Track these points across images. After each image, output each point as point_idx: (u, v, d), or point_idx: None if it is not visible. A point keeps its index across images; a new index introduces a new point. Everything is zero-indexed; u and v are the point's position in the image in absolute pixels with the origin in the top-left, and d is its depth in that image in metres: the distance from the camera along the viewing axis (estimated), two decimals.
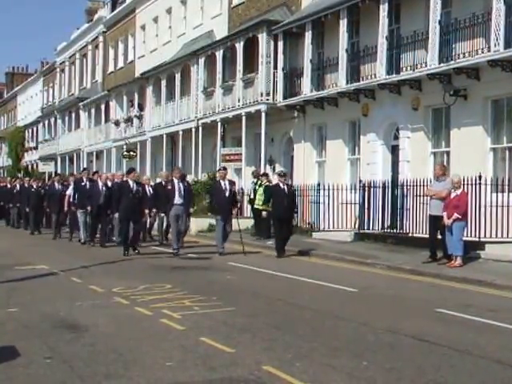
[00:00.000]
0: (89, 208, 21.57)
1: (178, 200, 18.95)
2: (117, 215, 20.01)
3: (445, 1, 20.23)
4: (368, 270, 16.04)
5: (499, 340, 8.74)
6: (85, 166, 47.69)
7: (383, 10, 21.98)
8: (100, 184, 21.66)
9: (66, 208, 24.10)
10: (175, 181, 19.29)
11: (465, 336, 8.92)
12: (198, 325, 9.41)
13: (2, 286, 12.94)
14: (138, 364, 7.39)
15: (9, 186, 33.19)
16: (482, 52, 18.64)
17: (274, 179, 22.42)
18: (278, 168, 28.64)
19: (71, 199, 23.54)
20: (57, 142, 54.78)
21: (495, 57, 18.04)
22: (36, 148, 61.01)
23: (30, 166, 61.97)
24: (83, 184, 22.41)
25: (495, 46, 17.94)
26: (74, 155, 50.82)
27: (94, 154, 47.22)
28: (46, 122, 58.80)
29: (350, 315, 10.31)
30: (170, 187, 19.38)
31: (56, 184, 26.07)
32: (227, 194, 18.89)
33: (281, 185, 19.03)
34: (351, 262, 17.02)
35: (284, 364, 7.35)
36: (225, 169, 20.12)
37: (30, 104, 69.62)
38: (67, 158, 52.49)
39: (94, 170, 42.02)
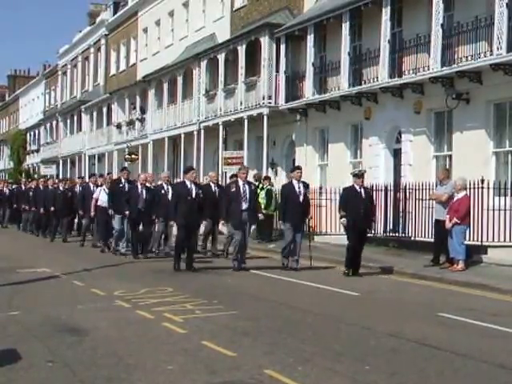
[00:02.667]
0: (127, 213, 18.97)
1: (243, 205, 15.99)
2: (155, 222, 18.63)
3: (447, 4, 20.22)
4: (370, 273, 16.01)
5: (502, 344, 8.71)
6: (87, 169, 47.93)
7: (385, 13, 21.97)
8: (139, 186, 19.07)
9: (92, 212, 21.86)
10: (240, 182, 16.25)
11: (467, 340, 8.90)
12: (199, 328, 9.39)
13: (3, 289, 12.94)
14: (140, 368, 7.36)
15: (23, 187, 32.14)
16: (485, 56, 18.61)
17: (282, 179, 21.23)
18: (280, 171, 28.69)
19: (103, 203, 21.03)
20: (59, 144, 54.81)
21: (498, 60, 18.01)
22: (38, 151, 61.05)
23: (31, 169, 62.00)
24: (121, 186, 19.95)
25: (498, 49, 17.92)
26: (76, 158, 50.84)
27: (96, 157, 47.24)
28: (48, 125, 58.84)
29: (352, 319, 10.28)
30: (233, 189, 16.25)
31: (91, 185, 23.70)
32: (301, 198, 16.14)
33: (356, 187, 15.55)
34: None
35: (286, 368, 7.33)
36: (300, 168, 16.94)
37: (31, 107, 69.66)
38: (69, 160, 52.53)
39: (96, 172, 42.29)
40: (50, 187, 27.46)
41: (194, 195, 15.83)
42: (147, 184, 19.34)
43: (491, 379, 7.16)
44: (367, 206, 15.50)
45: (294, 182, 16.28)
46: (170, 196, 17.96)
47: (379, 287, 13.95)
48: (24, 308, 10.98)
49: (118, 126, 42.87)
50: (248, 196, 16.03)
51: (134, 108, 41.16)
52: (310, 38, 25.78)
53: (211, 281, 14.47)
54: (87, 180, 28.40)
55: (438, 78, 20.05)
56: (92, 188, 23.19)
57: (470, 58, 19.10)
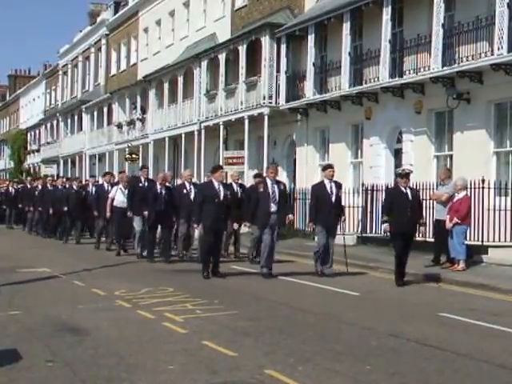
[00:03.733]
0: (145, 213, 17.86)
1: (271, 207, 14.74)
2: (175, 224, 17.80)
3: (448, 4, 20.22)
4: (371, 273, 16.00)
5: (502, 344, 8.71)
6: (87, 168, 47.96)
7: (386, 13, 21.97)
8: (158, 186, 17.94)
9: (108, 213, 20.41)
10: (269, 182, 14.99)
11: (468, 340, 8.89)
12: (200, 328, 9.38)
13: (4, 289, 12.93)
14: (140, 368, 7.36)
15: (29, 186, 30.93)
16: (486, 55, 18.62)
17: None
18: (282, 171, 28.67)
19: (119, 203, 19.91)
20: (59, 144, 54.84)
21: (498, 60, 18.02)
22: (38, 151, 61.06)
23: (32, 169, 62.03)
24: (141, 185, 18.78)
25: (499, 49, 17.92)
26: (77, 158, 50.87)
27: (97, 156, 47.25)
28: (49, 125, 58.87)
29: (353, 319, 10.27)
30: (261, 189, 15.00)
31: (105, 185, 22.21)
32: (333, 199, 14.95)
33: (402, 188, 14.02)
34: (354, 265, 16.96)
35: (286, 368, 7.32)
36: (332, 167, 15.62)
37: (32, 106, 69.69)
38: (69, 160, 52.55)
39: (97, 172, 42.31)
40: (59, 186, 26.37)
41: (221, 197, 14.58)
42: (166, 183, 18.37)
43: (492, 379, 7.16)
44: (415, 208, 13.94)
45: (326, 181, 15.12)
46: (192, 196, 17.45)
47: (380, 287, 13.94)
48: (24, 308, 10.97)
49: (119, 126, 42.89)
50: (277, 197, 14.78)
51: (135, 108, 41.18)
52: (311, 38, 25.78)
53: (212, 281, 14.44)
54: (99, 179, 28.08)
55: (439, 77, 20.05)
56: (106, 187, 21.72)
57: (470, 57, 19.10)
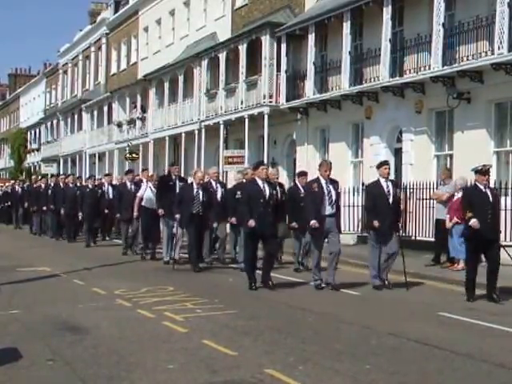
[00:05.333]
0: (177, 216, 16.09)
1: (327, 209, 12.96)
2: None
3: (448, 3, 20.23)
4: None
5: (502, 344, 8.71)
6: (87, 168, 47.93)
7: (387, 12, 21.97)
8: (194, 186, 16.11)
9: (135, 213, 18.74)
10: (322, 181, 13.10)
11: (467, 340, 8.89)
12: (200, 327, 9.39)
13: (4, 288, 12.93)
14: (140, 366, 7.37)
15: (35, 185, 29.81)
16: (486, 55, 18.63)
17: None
18: (281, 170, 28.65)
19: (148, 203, 18.34)
20: (59, 143, 54.79)
21: (499, 60, 18.02)
22: (38, 150, 61.02)
23: (32, 168, 62.02)
24: (171, 184, 17.28)
25: (499, 49, 17.93)
26: (77, 157, 50.84)
27: (97, 155, 47.21)
28: (49, 124, 58.84)
29: (353, 318, 10.27)
30: (316, 189, 13.08)
31: (128, 183, 20.31)
32: (391, 199, 13.15)
33: (481, 187, 12.07)
34: (354, 265, 16.97)
35: (286, 367, 7.33)
36: (388, 163, 13.91)
37: (32, 105, 69.65)
38: (69, 159, 52.53)
39: (97, 172, 42.29)
40: (70, 185, 25.25)
41: (267, 196, 13.02)
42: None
43: (491, 378, 7.16)
44: (496, 211, 12.15)
45: (381, 180, 13.35)
46: (219, 195, 16.75)
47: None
48: (24, 307, 10.98)
49: (119, 125, 42.86)
50: (333, 198, 13.01)
51: (135, 107, 41.14)
52: (311, 37, 25.77)
53: (212, 280, 14.46)
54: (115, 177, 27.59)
55: (439, 77, 20.05)
56: (129, 186, 19.99)
57: (471, 57, 19.10)
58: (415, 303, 11.88)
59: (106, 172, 35.38)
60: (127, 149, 39.99)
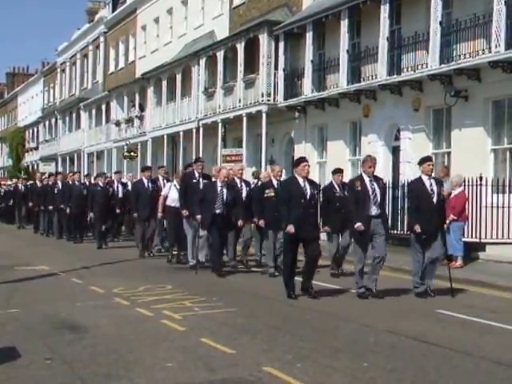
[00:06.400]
0: (198, 217, 15.04)
1: (372, 210, 11.88)
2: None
3: (446, 1, 20.23)
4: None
5: (500, 341, 8.73)
6: (86, 166, 47.91)
7: (384, 10, 21.97)
8: (218, 184, 15.02)
9: (160, 213, 17.67)
10: (366, 178, 12.08)
11: (466, 337, 8.91)
12: (198, 326, 9.40)
13: (2, 287, 12.94)
14: (139, 365, 7.38)
15: (38, 184, 28.95)
16: (483, 53, 18.63)
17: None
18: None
19: (173, 202, 17.14)
20: (57, 142, 54.81)
21: (496, 58, 18.03)
22: (37, 148, 61.03)
23: (30, 167, 62.01)
24: (195, 181, 16.10)
25: (496, 46, 17.94)
26: (75, 156, 50.84)
27: (95, 154, 47.24)
28: (47, 123, 58.84)
29: (351, 316, 10.30)
30: (358, 187, 12.01)
31: (145, 181, 19.07)
32: (435, 199, 12.06)
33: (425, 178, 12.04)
34: (352, 262, 16.93)
35: (285, 365, 7.34)
36: (431, 160, 12.88)
37: (30, 104, 69.63)
38: (68, 158, 52.53)
39: (95, 171, 42.26)
40: (76, 183, 24.29)
41: (308, 196, 11.86)
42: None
43: (489, 376, 7.17)
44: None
45: (424, 177, 12.23)
46: (244, 194, 15.89)
47: (378, 284, 13.90)
48: (23, 306, 10.99)
49: (117, 124, 42.85)
50: (378, 197, 11.96)
51: (133, 105, 41.15)
52: (309, 36, 25.77)
53: (210, 278, 14.45)
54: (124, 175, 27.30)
55: (437, 75, 20.06)
56: (147, 184, 18.84)
57: (468, 55, 19.11)
58: (413, 301, 11.89)
59: (104, 171, 35.39)
60: (125, 147, 40.00)
